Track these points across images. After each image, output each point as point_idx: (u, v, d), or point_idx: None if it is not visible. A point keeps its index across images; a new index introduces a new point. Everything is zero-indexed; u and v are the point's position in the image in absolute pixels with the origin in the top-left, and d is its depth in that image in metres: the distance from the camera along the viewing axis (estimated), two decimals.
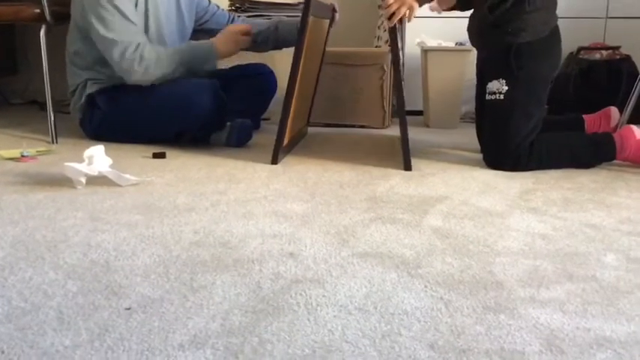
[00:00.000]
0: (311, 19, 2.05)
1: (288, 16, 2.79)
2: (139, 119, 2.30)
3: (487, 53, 2.15)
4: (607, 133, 2.12)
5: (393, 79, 2.12)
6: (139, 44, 2.23)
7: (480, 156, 2.14)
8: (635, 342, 0.93)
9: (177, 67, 2.28)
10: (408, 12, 1.97)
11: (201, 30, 2.59)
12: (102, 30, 2.22)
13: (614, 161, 2.08)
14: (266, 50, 2.64)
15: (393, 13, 1.96)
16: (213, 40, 2.35)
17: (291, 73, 2.02)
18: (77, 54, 2.37)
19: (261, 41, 2.57)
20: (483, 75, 2.14)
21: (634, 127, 2.06)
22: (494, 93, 2.03)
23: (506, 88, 2.00)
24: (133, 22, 2.25)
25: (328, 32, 2.61)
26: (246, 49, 2.61)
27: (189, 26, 2.53)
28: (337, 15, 2.54)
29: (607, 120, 2.29)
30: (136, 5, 2.28)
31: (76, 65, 2.38)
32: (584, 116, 2.32)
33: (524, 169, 1.99)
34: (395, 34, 2.02)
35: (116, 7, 2.22)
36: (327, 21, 2.51)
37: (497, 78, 2.03)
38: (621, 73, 2.97)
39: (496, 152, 2.04)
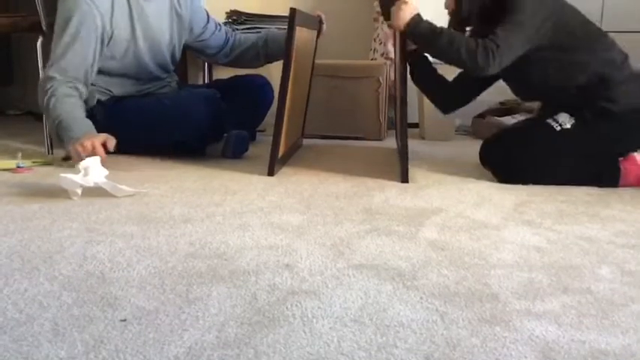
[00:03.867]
0: (298, 30, 2.07)
1: (280, 28, 2.80)
2: (137, 131, 2.30)
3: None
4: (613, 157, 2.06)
5: (399, 94, 2.13)
6: (58, 80, 2.14)
7: (475, 168, 2.14)
8: (630, 355, 0.93)
9: (52, 120, 2.13)
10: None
11: (197, 46, 2.58)
12: (56, 40, 2.19)
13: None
14: (259, 65, 2.65)
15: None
16: (84, 132, 2.08)
17: (281, 84, 2.03)
18: None
19: (252, 57, 2.58)
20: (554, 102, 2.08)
21: (637, 156, 2.02)
22: (557, 122, 1.99)
23: (569, 126, 1.97)
24: (82, 56, 2.19)
25: (316, 44, 2.62)
26: (241, 67, 2.63)
27: (180, 42, 2.50)
28: (324, 26, 2.55)
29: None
30: (122, 15, 2.25)
31: None
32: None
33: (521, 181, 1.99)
34: (404, 52, 2.03)
35: (76, 33, 2.17)
36: (315, 32, 2.52)
37: (569, 112, 1.99)
38: None
39: (514, 167, 2.02)
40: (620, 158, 2.03)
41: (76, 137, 2.04)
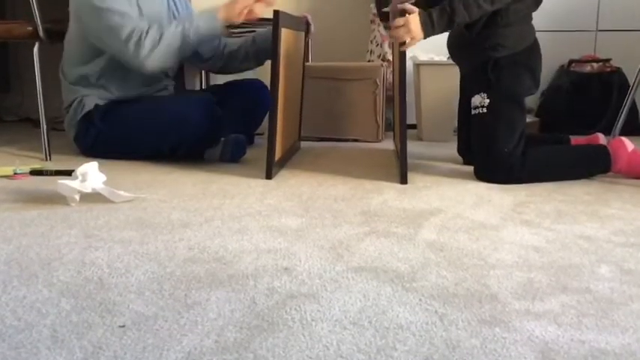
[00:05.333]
0: (284, 32, 2.07)
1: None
2: (134, 135, 2.30)
3: (468, 69, 2.21)
4: (601, 145, 2.12)
5: (398, 96, 2.14)
6: (142, 26, 2.19)
7: (471, 170, 2.14)
8: (630, 354, 0.93)
9: (183, 39, 2.20)
10: (409, 40, 1.96)
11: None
12: (97, 2, 2.19)
13: (607, 173, 2.09)
14: (250, 67, 2.63)
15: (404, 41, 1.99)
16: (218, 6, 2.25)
17: (271, 85, 2.05)
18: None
19: (242, 58, 2.57)
20: (466, 90, 2.19)
21: (625, 140, 2.08)
22: (477, 107, 2.07)
23: (488, 101, 2.04)
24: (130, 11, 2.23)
25: (307, 45, 2.62)
26: (233, 71, 2.61)
27: None
28: (312, 27, 2.55)
29: None
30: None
31: (71, 82, 2.39)
32: (572, 139, 2.30)
33: (516, 181, 2.00)
34: (404, 57, 2.03)
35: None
36: (303, 34, 2.52)
37: (478, 92, 2.07)
38: (612, 86, 3.00)
39: (487, 165, 2.05)
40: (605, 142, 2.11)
41: (216, 12, 2.19)
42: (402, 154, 2.03)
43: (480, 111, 2.06)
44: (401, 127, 2.05)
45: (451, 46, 2.25)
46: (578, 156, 2.12)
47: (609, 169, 2.06)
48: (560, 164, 2.08)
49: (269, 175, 2.05)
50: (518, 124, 2.04)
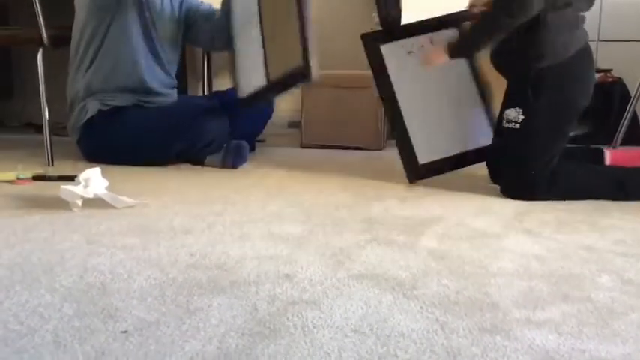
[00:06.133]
0: None
1: None
2: (137, 139, 2.31)
3: (509, 79, 2.04)
4: (636, 169, 2.00)
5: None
6: None
7: (474, 176, 2.15)
8: None
9: None
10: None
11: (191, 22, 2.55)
12: None
13: None
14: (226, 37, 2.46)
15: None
16: None
17: None
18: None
19: (221, 19, 2.46)
20: (505, 100, 2.02)
21: None
22: (511, 121, 1.94)
23: (522, 117, 1.91)
24: None
25: None
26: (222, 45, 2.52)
27: (180, 30, 2.52)
28: None
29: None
30: None
31: (76, 87, 2.40)
32: (609, 153, 2.14)
33: (543, 199, 1.90)
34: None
35: None
36: None
37: (514, 106, 1.94)
38: (613, 96, 3.00)
39: (512, 182, 1.96)
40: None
41: None
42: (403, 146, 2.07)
43: (513, 126, 1.93)
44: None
45: (493, 54, 2.06)
46: (609, 182, 1.96)
47: None
48: (590, 190, 1.95)
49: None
50: (551, 147, 1.92)
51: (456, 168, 2.15)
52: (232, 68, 2.43)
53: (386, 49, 2.15)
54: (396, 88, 2.12)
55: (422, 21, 2.18)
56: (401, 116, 2.10)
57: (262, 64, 2.25)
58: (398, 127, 2.11)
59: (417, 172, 2.10)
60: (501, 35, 1.92)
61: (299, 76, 2.16)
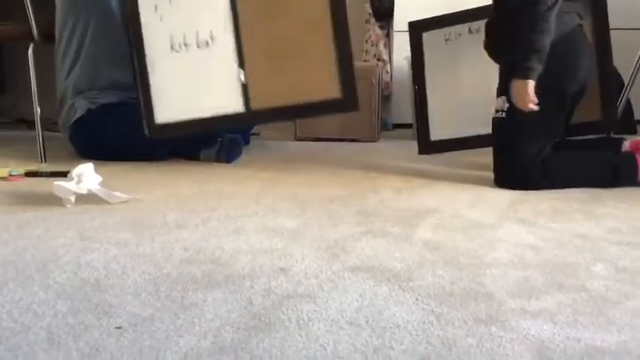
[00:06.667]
0: None
1: None
2: (129, 136, 2.29)
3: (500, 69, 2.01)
4: (629, 154, 1.99)
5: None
6: None
7: (468, 167, 2.15)
8: (626, 351, 0.93)
9: None
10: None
11: None
12: None
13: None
14: None
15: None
16: None
17: None
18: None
19: None
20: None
21: None
22: (498, 111, 1.93)
23: (507, 105, 1.90)
24: None
25: None
26: None
27: None
28: None
29: None
30: None
31: (64, 87, 2.38)
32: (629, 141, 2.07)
33: (535, 188, 1.90)
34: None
35: None
36: None
37: (500, 95, 1.93)
38: None
39: (503, 172, 1.94)
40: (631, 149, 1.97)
41: None
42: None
43: (500, 115, 1.92)
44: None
45: (486, 47, 2.06)
46: (602, 167, 1.96)
47: (635, 180, 1.94)
48: (583, 176, 1.95)
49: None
50: (540, 135, 1.90)
51: (464, 148, 2.38)
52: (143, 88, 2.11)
53: (427, 36, 2.41)
54: (427, 72, 2.39)
55: (460, 11, 2.37)
56: (425, 96, 2.40)
57: (238, 88, 2.04)
58: (419, 105, 2.45)
59: (428, 147, 2.43)
60: (547, 25, 1.82)
61: (338, 106, 1.96)
